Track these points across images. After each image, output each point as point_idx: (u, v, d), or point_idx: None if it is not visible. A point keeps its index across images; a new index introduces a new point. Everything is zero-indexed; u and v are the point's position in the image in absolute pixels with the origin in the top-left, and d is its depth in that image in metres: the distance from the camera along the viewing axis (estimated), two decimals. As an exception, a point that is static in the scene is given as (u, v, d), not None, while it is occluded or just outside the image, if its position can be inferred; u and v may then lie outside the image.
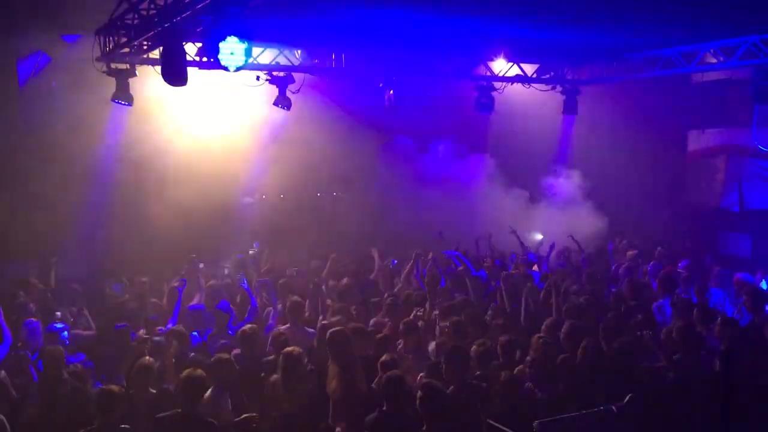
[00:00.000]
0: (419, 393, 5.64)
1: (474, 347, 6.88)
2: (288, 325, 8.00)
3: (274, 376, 6.52)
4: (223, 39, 7.65)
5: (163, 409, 5.88)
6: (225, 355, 6.76)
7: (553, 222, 13.11)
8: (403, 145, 14.39)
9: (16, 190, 10.87)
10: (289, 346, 6.79)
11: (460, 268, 10.53)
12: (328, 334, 6.80)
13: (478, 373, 6.66)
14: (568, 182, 14.03)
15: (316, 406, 6.55)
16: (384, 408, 5.84)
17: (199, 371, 5.92)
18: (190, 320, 8.51)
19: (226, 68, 8.64)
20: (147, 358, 6.58)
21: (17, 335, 7.50)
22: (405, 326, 7.75)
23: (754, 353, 7.12)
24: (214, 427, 5.75)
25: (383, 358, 6.63)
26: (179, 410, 5.74)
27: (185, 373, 5.89)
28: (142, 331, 7.92)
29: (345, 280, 9.91)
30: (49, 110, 10.87)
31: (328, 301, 9.14)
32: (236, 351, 7.21)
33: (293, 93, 11.91)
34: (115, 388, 5.81)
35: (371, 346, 7.25)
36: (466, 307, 8.30)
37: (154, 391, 6.37)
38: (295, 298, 8.45)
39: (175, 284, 9.36)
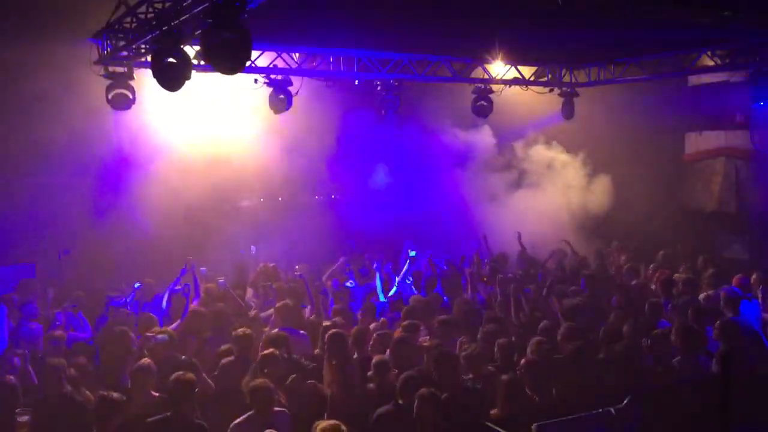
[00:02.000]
0: (416, 402, 5.64)
1: (465, 350, 6.93)
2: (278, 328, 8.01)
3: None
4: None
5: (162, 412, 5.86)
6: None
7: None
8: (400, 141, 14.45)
9: (17, 192, 10.89)
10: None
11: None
12: (327, 335, 6.84)
13: (471, 375, 6.71)
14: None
15: (315, 405, 6.58)
16: (400, 402, 5.90)
17: (189, 375, 5.90)
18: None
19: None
20: (145, 359, 6.55)
21: (16, 337, 7.51)
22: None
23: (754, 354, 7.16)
24: (204, 429, 5.76)
25: (376, 359, 6.66)
26: (168, 414, 5.73)
27: (173, 376, 5.88)
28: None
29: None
30: (48, 114, 10.86)
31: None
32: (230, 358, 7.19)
33: (292, 96, 11.89)
34: (115, 395, 5.79)
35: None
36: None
37: (156, 395, 6.37)
38: (286, 300, 8.47)
39: (177, 287, 9.36)
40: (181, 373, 5.91)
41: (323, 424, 5.14)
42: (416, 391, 5.89)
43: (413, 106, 13.60)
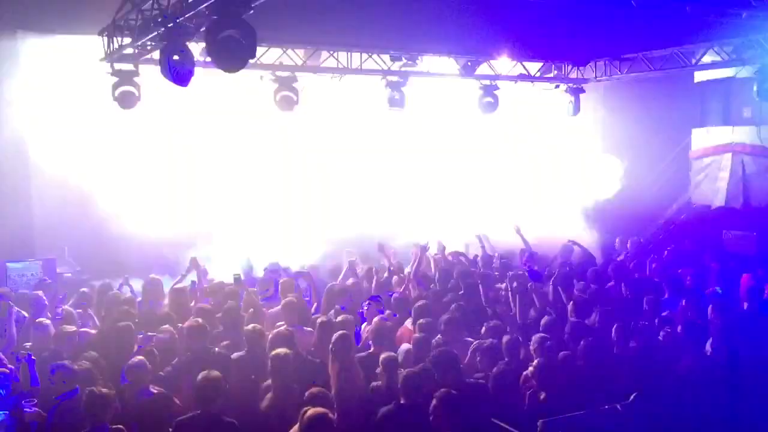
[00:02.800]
0: (434, 402, 5.63)
1: (474, 346, 6.93)
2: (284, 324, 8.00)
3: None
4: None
5: (162, 409, 5.89)
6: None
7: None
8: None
9: (22, 191, 10.93)
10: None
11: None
12: (334, 336, 6.84)
13: (480, 373, 6.70)
14: None
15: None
16: (402, 402, 5.88)
17: (215, 373, 5.90)
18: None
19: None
20: (138, 357, 6.58)
21: (28, 334, 7.53)
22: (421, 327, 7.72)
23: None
24: (235, 427, 5.74)
25: (385, 355, 6.66)
26: (198, 412, 5.74)
27: (201, 375, 5.87)
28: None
29: (350, 281, 10.00)
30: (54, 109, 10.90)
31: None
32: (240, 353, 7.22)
33: (297, 93, 11.86)
34: (104, 390, 5.77)
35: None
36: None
37: (155, 391, 6.40)
38: (291, 297, 8.46)
39: (179, 285, 9.36)
40: (207, 372, 5.89)
41: (311, 411, 5.09)
42: (417, 390, 5.87)
43: (419, 101, 13.55)
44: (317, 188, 13.95)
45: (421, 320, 7.77)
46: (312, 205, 13.72)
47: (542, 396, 6.33)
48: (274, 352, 6.52)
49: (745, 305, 8.47)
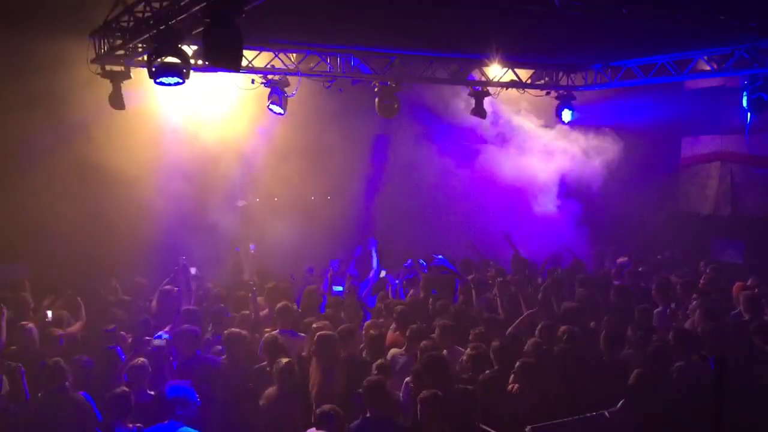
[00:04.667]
0: (419, 404, 5.59)
1: (467, 352, 6.91)
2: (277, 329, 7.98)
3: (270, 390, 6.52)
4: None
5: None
6: None
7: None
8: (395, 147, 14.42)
9: (9, 192, 10.87)
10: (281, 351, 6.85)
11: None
12: (316, 337, 6.84)
13: (466, 376, 6.69)
14: None
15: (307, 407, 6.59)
16: (367, 415, 5.83)
17: None
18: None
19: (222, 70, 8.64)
20: (140, 359, 6.58)
21: (11, 337, 7.47)
22: (411, 332, 7.68)
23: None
24: None
25: (379, 362, 6.63)
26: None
27: None
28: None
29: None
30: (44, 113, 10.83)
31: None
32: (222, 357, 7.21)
33: (289, 96, 11.86)
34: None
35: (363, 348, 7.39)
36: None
37: (152, 393, 6.38)
38: (285, 302, 8.44)
39: (167, 287, 9.32)
40: None
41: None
42: (382, 399, 5.86)
43: (411, 106, 13.58)
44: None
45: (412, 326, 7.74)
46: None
47: (531, 402, 6.33)
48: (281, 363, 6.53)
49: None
